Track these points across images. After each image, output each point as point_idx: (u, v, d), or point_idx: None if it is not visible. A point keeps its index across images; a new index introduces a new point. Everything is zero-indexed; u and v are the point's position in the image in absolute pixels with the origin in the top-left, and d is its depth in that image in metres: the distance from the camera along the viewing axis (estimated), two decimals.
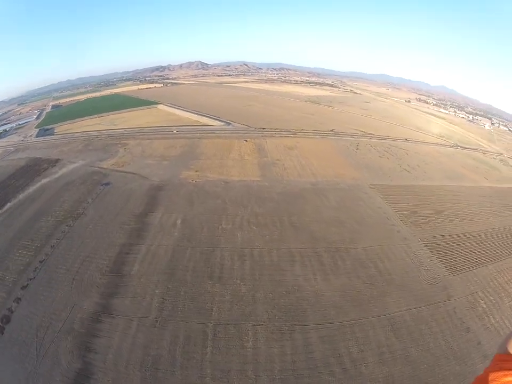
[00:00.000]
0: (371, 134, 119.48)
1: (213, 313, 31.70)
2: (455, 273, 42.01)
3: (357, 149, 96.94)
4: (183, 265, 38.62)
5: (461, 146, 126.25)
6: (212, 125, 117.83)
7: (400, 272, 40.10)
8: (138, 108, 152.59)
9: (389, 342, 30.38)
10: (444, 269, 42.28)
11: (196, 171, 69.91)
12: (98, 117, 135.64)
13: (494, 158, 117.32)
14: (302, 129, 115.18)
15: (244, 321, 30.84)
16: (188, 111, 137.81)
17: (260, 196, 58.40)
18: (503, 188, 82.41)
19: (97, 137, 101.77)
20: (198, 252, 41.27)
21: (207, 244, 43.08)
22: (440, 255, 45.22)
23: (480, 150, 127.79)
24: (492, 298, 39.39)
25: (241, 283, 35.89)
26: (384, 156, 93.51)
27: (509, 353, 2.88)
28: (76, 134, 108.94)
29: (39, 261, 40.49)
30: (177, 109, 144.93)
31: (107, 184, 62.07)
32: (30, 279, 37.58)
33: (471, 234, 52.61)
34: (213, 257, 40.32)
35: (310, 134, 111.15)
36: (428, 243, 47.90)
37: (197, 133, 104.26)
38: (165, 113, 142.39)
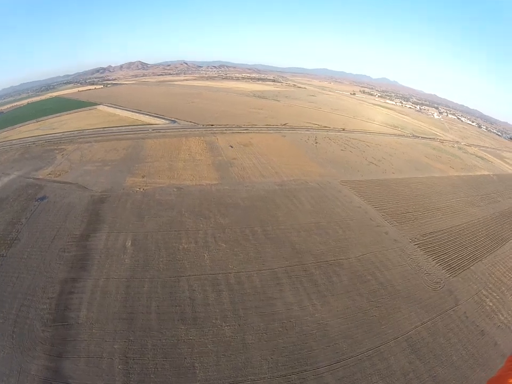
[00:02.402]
0: (326, 127, 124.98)
1: (197, 371, 26.61)
2: (455, 273, 43.22)
3: (316, 143, 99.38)
4: (143, 306, 32.74)
5: (418, 136, 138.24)
6: (156, 124, 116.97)
7: (402, 282, 39.58)
8: (78, 109, 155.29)
9: (413, 366, 29.07)
10: (443, 271, 43.14)
11: (143, 176, 64.24)
12: (37, 122, 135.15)
13: (453, 146, 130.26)
14: (254, 124, 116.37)
15: (240, 377, 26.40)
16: (129, 111, 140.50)
17: (222, 202, 54.57)
18: (470, 176, 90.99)
19: (34, 143, 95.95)
20: (159, 284, 35.66)
21: (169, 271, 37.60)
22: (436, 255, 46.30)
23: (437, 139, 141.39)
24: (495, 294, 41.39)
25: (224, 324, 31.34)
26: (346, 149, 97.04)
27: None
28: (14, 141, 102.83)
29: None
30: (119, 108, 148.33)
31: (42, 198, 56.93)
32: None
33: (458, 228, 55.51)
34: (179, 290, 35.02)
35: (263, 129, 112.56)
36: (419, 243, 48.85)
37: (141, 133, 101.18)
38: (105, 113, 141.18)
